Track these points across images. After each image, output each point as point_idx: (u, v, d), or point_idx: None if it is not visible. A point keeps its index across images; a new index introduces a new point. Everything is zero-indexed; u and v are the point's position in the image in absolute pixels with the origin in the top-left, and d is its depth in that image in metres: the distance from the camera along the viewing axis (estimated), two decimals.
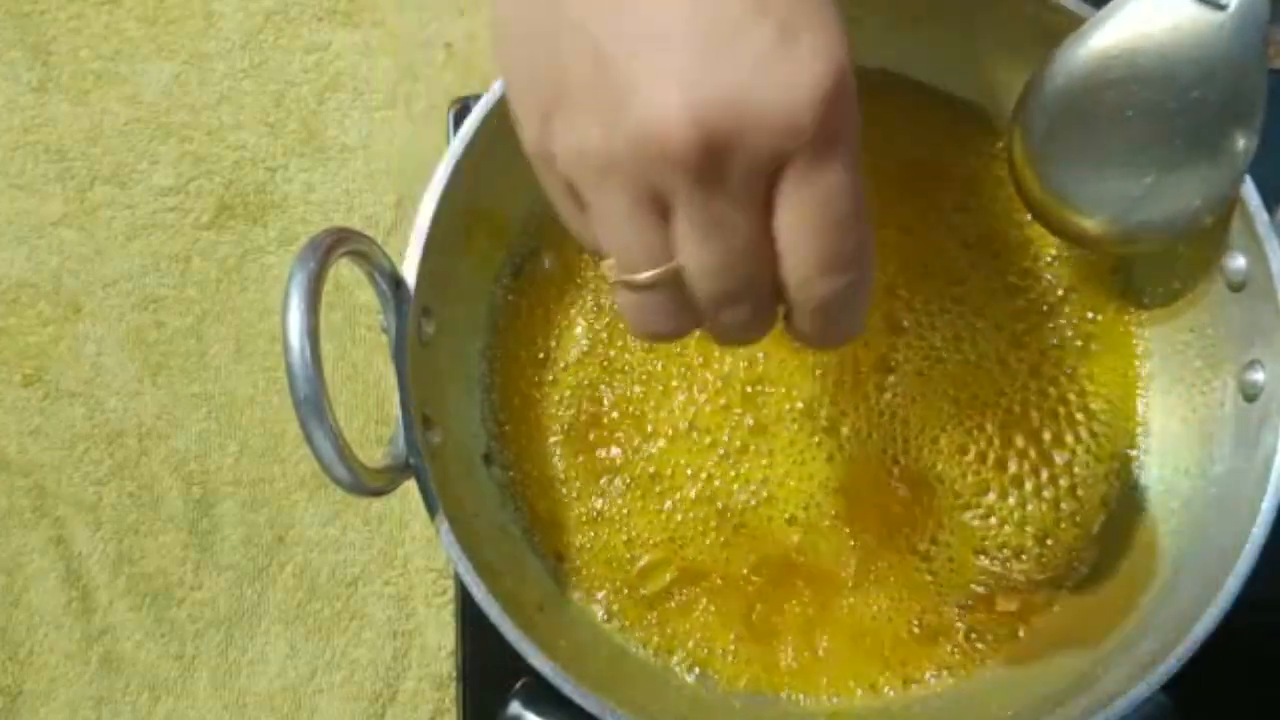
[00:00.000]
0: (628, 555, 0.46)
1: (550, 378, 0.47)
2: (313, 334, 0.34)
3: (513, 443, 0.46)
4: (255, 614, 0.61)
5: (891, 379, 0.46)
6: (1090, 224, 0.41)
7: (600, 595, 0.46)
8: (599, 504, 0.46)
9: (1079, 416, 0.46)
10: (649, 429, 0.46)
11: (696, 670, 0.45)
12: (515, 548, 0.45)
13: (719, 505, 0.46)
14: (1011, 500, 0.46)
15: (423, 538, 0.60)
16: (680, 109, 0.28)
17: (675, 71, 0.28)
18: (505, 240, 0.47)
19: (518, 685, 0.43)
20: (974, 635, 0.45)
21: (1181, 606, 0.40)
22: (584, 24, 0.29)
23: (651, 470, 0.46)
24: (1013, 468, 0.46)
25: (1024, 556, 0.46)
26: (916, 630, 0.45)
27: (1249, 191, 0.39)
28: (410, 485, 0.39)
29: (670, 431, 0.46)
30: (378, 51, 0.63)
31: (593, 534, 0.46)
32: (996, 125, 0.46)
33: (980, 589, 0.45)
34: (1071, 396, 0.46)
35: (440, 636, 0.60)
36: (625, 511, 0.46)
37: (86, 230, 0.63)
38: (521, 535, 0.46)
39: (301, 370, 0.34)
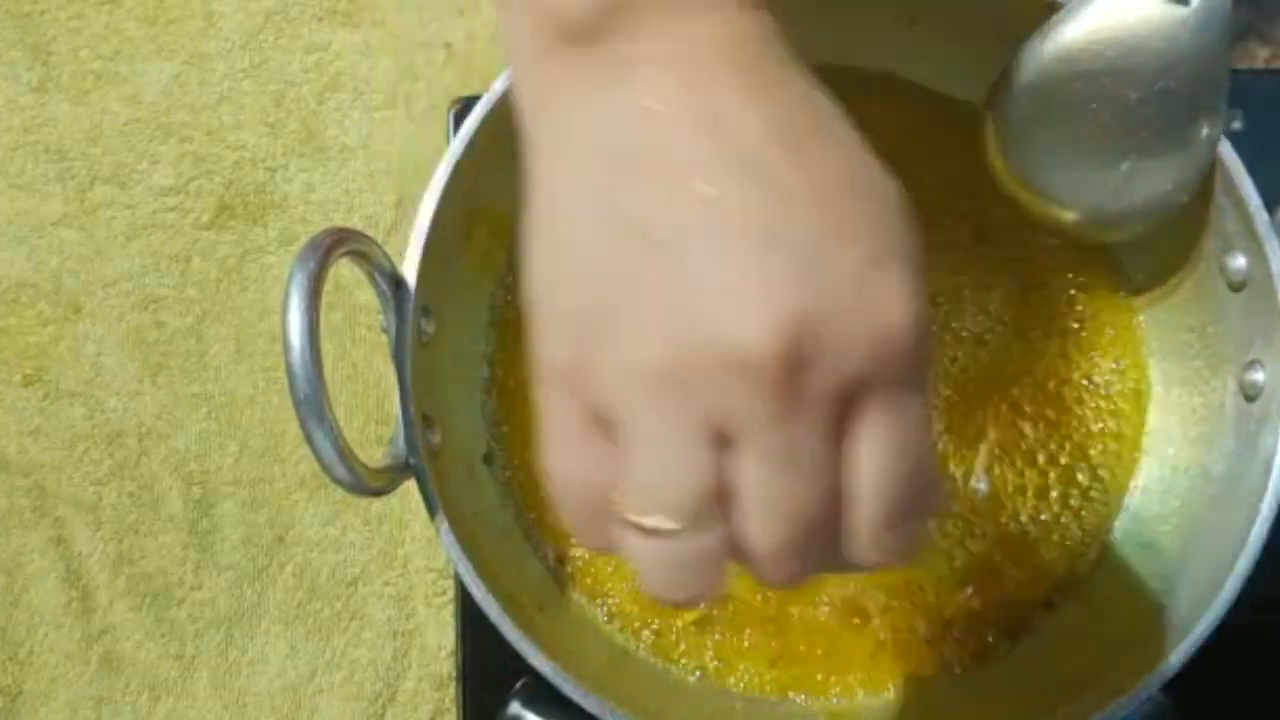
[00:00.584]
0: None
1: None
2: (313, 334, 0.34)
3: (513, 443, 0.46)
4: (255, 614, 0.61)
5: None
6: (1067, 214, 0.41)
7: (602, 600, 0.46)
8: None
9: (1084, 419, 0.46)
10: None
11: (697, 670, 0.45)
12: (515, 548, 0.45)
13: None
14: (1013, 502, 0.46)
15: (423, 538, 0.60)
16: (764, 315, 0.24)
17: (760, 277, 0.25)
18: (505, 240, 0.47)
19: (518, 685, 0.43)
20: (974, 636, 0.45)
21: (1181, 606, 0.40)
22: (654, 225, 0.25)
23: None
24: (1016, 470, 0.46)
25: (1025, 557, 0.46)
26: (917, 630, 0.45)
27: (1249, 191, 0.39)
28: (410, 485, 0.39)
29: None
30: (378, 51, 0.63)
31: None
32: None
33: (981, 589, 0.45)
34: (1073, 398, 0.46)
35: (440, 636, 0.60)
36: None
37: (86, 230, 0.63)
38: (521, 536, 0.46)
39: (301, 370, 0.34)
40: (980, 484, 0.46)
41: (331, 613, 0.60)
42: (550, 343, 0.27)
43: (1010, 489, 0.46)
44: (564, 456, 0.27)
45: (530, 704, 0.43)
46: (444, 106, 0.61)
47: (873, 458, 0.26)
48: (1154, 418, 0.46)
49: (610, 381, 0.25)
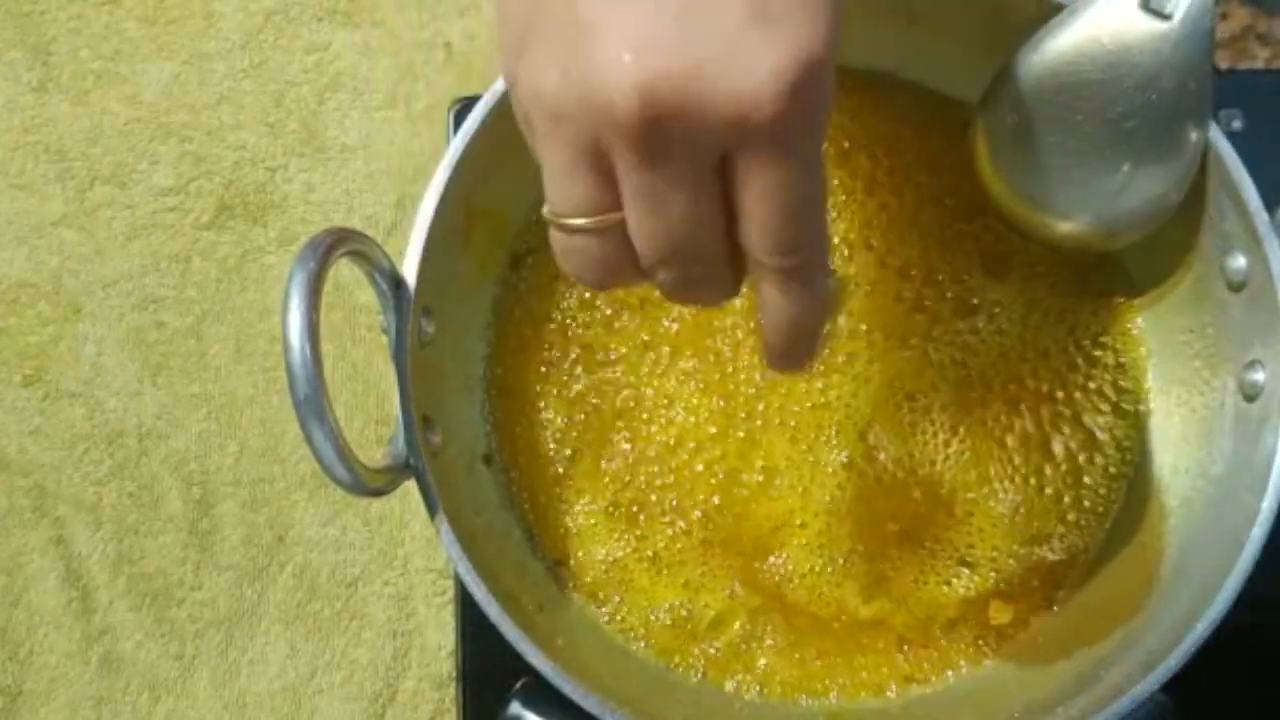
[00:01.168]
0: (629, 557, 0.46)
1: (551, 377, 0.47)
2: (313, 334, 0.34)
3: (513, 443, 0.46)
4: (255, 614, 0.61)
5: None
6: (1057, 225, 0.41)
7: (604, 604, 0.46)
8: (599, 505, 0.46)
9: (1084, 419, 0.46)
10: (651, 431, 0.46)
11: (698, 671, 0.45)
12: (515, 548, 0.45)
13: (722, 505, 0.46)
14: (1015, 503, 0.46)
15: (423, 538, 0.60)
16: (631, 74, 0.26)
17: (636, 33, 0.27)
18: (505, 240, 0.47)
19: (518, 685, 0.43)
20: (974, 635, 0.45)
21: (1181, 606, 0.40)
22: None
23: (654, 471, 0.46)
24: (1016, 470, 0.46)
25: (1026, 558, 0.46)
26: (917, 631, 0.45)
27: (1249, 192, 0.39)
28: (410, 485, 0.39)
29: (673, 433, 0.46)
30: (378, 51, 0.63)
31: (593, 535, 0.46)
32: None
33: (981, 590, 0.45)
34: (1072, 398, 0.46)
35: (440, 636, 0.60)
36: (625, 513, 0.46)
37: (86, 230, 0.63)
38: (521, 536, 0.46)
39: (301, 370, 0.34)
40: (984, 489, 0.46)
41: (331, 613, 0.60)
42: (502, 56, 0.31)
43: (1010, 489, 0.46)
44: (526, 138, 0.32)
45: (530, 704, 0.43)
46: (444, 106, 0.61)
47: (742, 200, 0.29)
48: (1154, 418, 0.46)
49: (525, 101, 0.29)
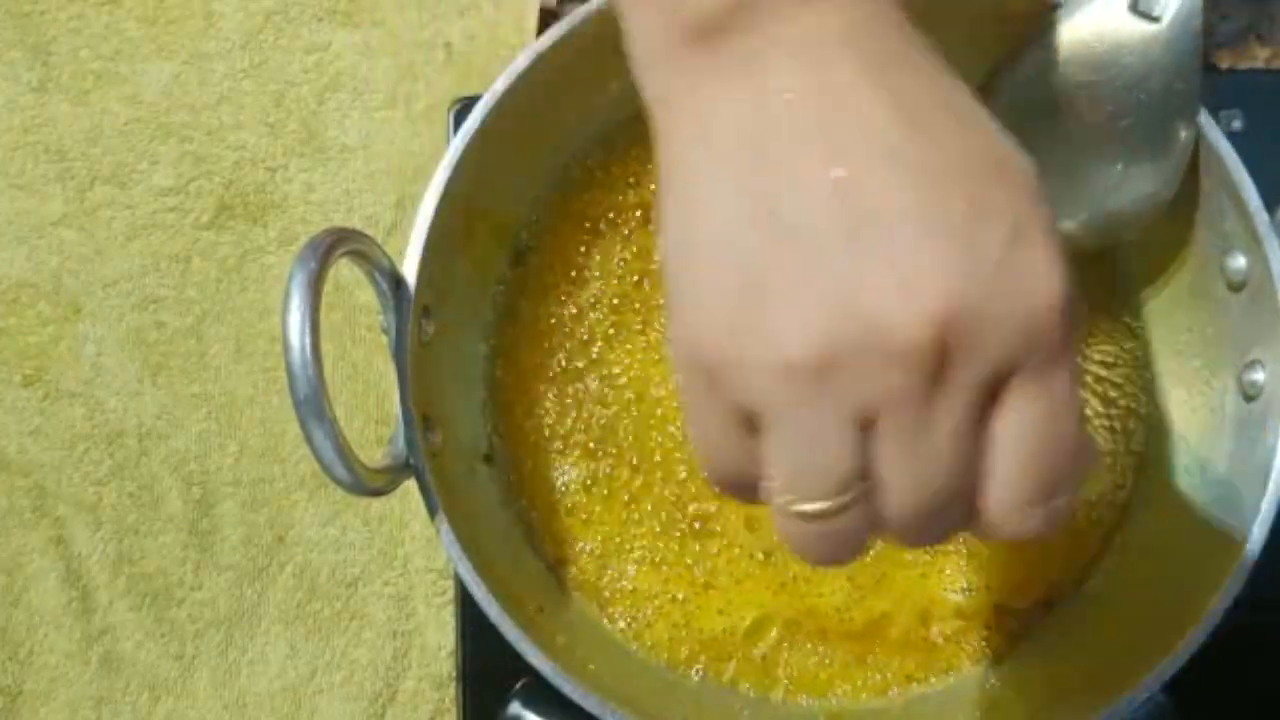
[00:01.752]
0: (629, 556, 0.46)
1: (551, 377, 0.47)
2: (313, 334, 0.34)
3: (513, 443, 0.46)
4: (255, 614, 0.61)
5: None
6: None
7: (604, 604, 0.46)
8: (599, 506, 0.46)
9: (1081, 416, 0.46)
10: (652, 430, 0.46)
11: (698, 671, 0.45)
12: (515, 548, 0.45)
13: (723, 506, 0.46)
14: None
15: (423, 538, 0.60)
16: (919, 307, 0.24)
17: (907, 266, 0.25)
18: (505, 240, 0.47)
19: (518, 685, 0.43)
20: (975, 636, 0.45)
21: (1181, 606, 0.40)
22: (792, 213, 0.25)
23: (656, 472, 0.46)
24: None
25: (1025, 557, 0.46)
26: (917, 631, 0.45)
27: (1249, 192, 0.39)
28: (410, 485, 0.39)
29: (675, 434, 0.46)
30: (378, 51, 0.63)
31: (593, 535, 0.46)
32: None
33: (981, 590, 0.45)
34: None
35: (440, 636, 0.60)
36: (624, 514, 0.46)
37: (86, 230, 0.63)
38: (521, 536, 0.46)
39: (301, 370, 0.34)
40: None
41: (331, 613, 0.60)
42: (691, 338, 0.27)
43: None
44: (711, 448, 0.28)
45: (530, 704, 0.43)
46: (444, 106, 0.61)
47: (1016, 439, 0.26)
48: (1153, 418, 0.46)
49: (756, 381, 0.26)
